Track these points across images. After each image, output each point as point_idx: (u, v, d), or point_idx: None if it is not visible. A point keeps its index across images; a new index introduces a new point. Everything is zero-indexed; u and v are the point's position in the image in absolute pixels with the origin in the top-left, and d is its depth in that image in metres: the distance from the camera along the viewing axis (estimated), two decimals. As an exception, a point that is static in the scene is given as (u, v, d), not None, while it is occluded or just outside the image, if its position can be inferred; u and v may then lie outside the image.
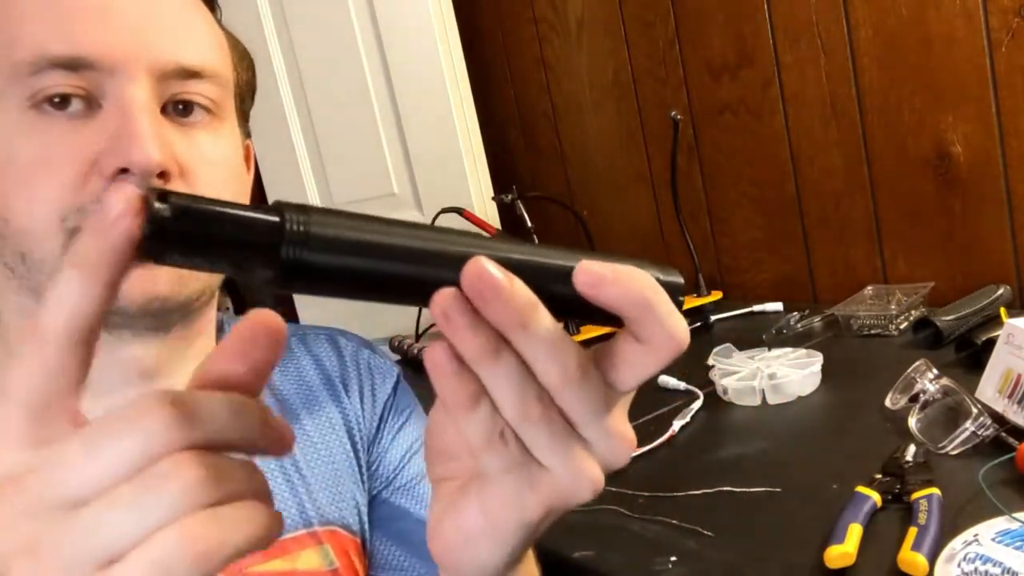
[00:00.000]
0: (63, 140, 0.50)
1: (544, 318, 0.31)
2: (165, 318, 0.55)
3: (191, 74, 0.53)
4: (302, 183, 2.01)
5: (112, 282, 0.27)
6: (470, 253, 0.31)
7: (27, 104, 0.50)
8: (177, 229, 0.27)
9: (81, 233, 0.27)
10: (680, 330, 0.33)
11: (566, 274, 0.32)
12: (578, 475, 0.34)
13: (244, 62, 0.61)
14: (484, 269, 0.30)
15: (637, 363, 0.33)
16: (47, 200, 0.50)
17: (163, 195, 0.27)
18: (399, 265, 0.31)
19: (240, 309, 2.84)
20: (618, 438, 0.35)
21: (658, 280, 0.33)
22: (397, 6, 1.83)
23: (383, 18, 1.85)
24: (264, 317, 0.30)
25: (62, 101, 0.50)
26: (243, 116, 0.62)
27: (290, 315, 1.99)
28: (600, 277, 0.31)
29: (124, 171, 0.49)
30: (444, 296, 0.30)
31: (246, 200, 0.58)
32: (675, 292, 0.35)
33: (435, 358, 0.31)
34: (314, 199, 2.02)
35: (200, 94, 0.54)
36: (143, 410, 0.27)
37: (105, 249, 0.26)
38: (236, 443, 0.29)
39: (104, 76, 0.50)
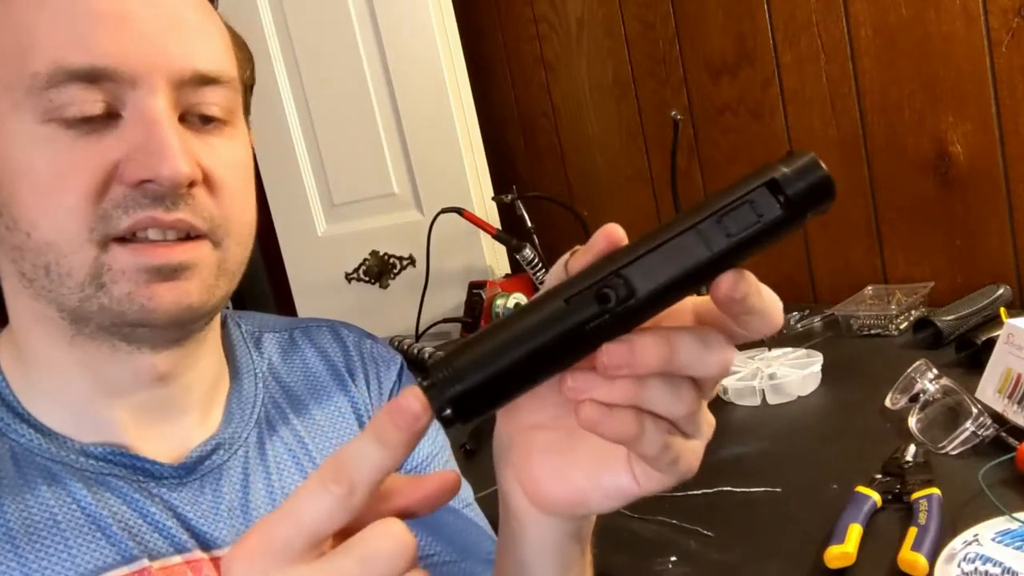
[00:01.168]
0: (82, 151, 0.49)
1: (682, 340, 0.36)
2: (191, 327, 0.55)
3: (208, 80, 0.53)
4: (302, 183, 2.01)
5: (404, 454, 0.35)
6: (587, 326, 0.34)
7: (44, 117, 0.49)
8: (453, 417, 0.35)
9: (382, 412, 0.35)
10: (777, 320, 0.37)
11: (703, 269, 0.35)
12: (705, 433, 0.41)
13: (245, 56, 0.61)
14: (607, 363, 0.35)
15: (739, 336, 0.38)
16: (71, 212, 0.49)
17: (443, 395, 0.34)
18: (532, 370, 0.35)
19: (238, 303, 2.84)
20: (710, 425, 0.42)
21: (795, 191, 0.34)
22: (397, 6, 1.83)
23: (383, 18, 1.85)
24: (449, 479, 0.39)
25: (86, 120, 0.49)
26: (246, 110, 0.62)
27: (290, 314, 1.99)
28: (743, 292, 0.35)
29: (147, 181, 0.49)
30: (573, 389, 0.36)
31: (253, 194, 0.59)
32: (818, 187, 0.35)
33: (588, 419, 0.36)
34: (314, 199, 2.02)
35: (216, 103, 0.54)
36: (393, 533, 0.34)
37: (403, 438, 0.35)
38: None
39: (124, 86, 0.49)
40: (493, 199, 1.84)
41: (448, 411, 0.34)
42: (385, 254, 1.98)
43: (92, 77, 0.49)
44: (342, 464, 0.34)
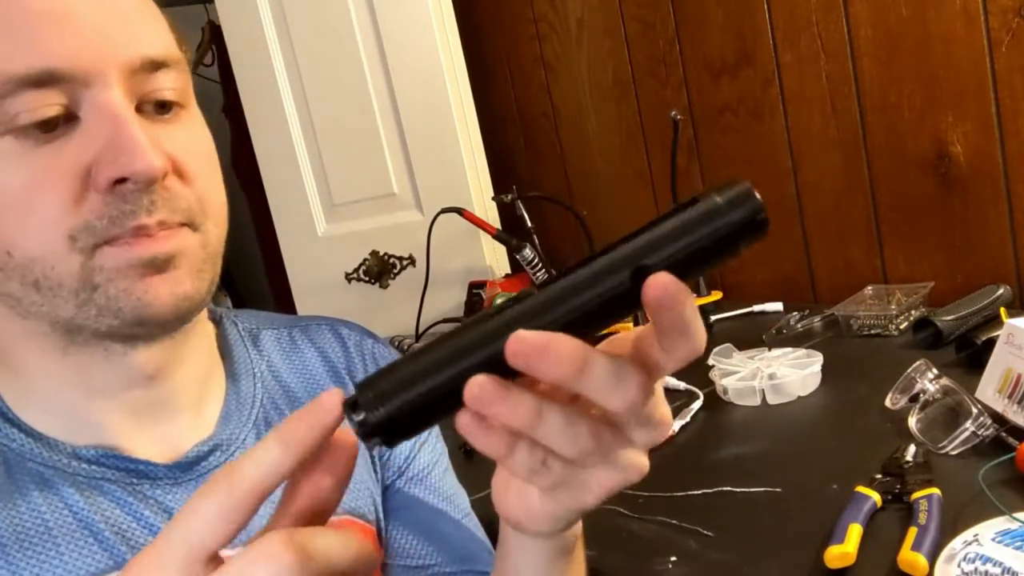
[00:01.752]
0: (49, 160, 0.48)
1: (597, 362, 0.33)
2: (184, 318, 0.54)
3: (158, 65, 0.51)
4: (302, 183, 2.01)
5: (303, 461, 0.34)
6: (501, 332, 0.33)
7: (3, 130, 0.47)
8: (373, 434, 0.35)
9: (293, 416, 0.34)
10: (701, 343, 0.35)
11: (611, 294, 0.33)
12: (628, 470, 0.39)
13: (184, 40, 0.59)
14: (520, 344, 0.32)
15: (665, 366, 0.36)
16: (50, 224, 0.48)
17: (363, 410, 0.34)
18: (446, 375, 0.34)
19: (238, 303, 2.84)
20: (660, 425, 0.38)
21: (731, 222, 0.33)
22: (397, 6, 1.83)
23: (383, 18, 1.85)
24: (343, 437, 0.36)
25: (43, 124, 0.48)
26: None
27: (290, 312, 1.99)
28: (674, 297, 0.33)
29: (121, 181, 0.48)
30: (472, 389, 0.33)
31: (220, 174, 0.58)
32: (753, 219, 0.33)
33: (463, 426, 0.35)
34: (314, 199, 2.02)
35: (170, 87, 0.52)
36: (271, 554, 0.32)
37: (308, 439, 0.34)
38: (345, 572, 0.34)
39: (77, 86, 0.48)
40: (493, 199, 1.84)
41: (371, 432, 0.34)
42: (385, 254, 1.98)
43: (43, 81, 0.47)
44: (231, 468, 0.34)
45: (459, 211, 1.71)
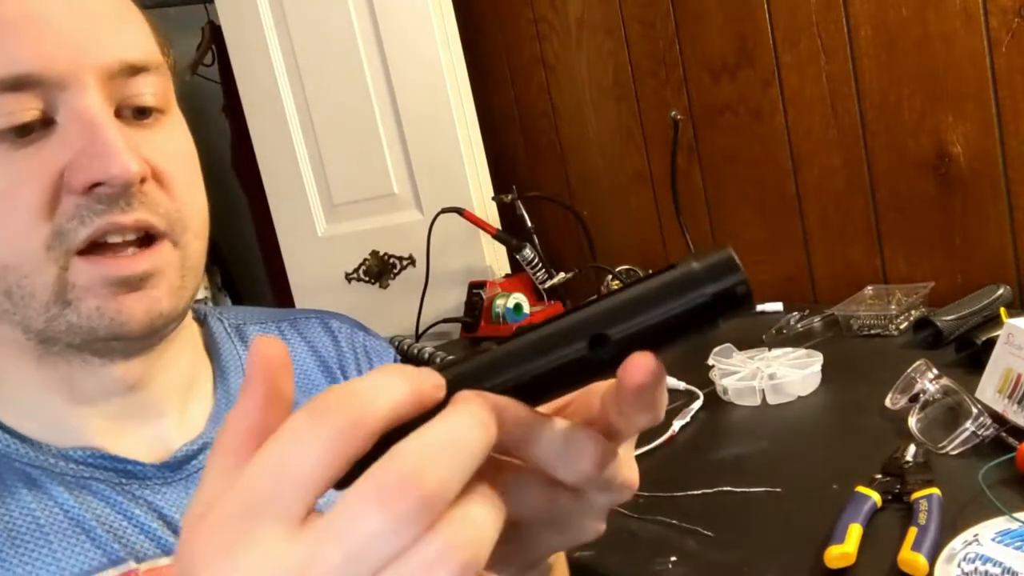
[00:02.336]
0: (25, 165, 0.47)
1: (545, 432, 0.31)
2: (162, 333, 0.54)
3: (137, 69, 0.51)
4: (302, 183, 2.01)
5: (425, 402, 0.28)
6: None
7: None
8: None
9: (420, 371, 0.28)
10: (660, 418, 0.33)
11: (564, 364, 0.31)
12: (581, 534, 0.37)
13: (167, 45, 0.58)
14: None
15: (630, 429, 0.34)
16: (24, 231, 0.47)
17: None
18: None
19: (238, 303, 2.84)
20: (622, 490, 0.36)
21: (707, 293, 0.30)
22: (397, 6, 1.83)
23: (383, 18, 1.85)
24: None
25: (20, 129, 0.47)
26: (177, 97, 0.60)
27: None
28: (653, 377, 0.30)
29: (97, 185, 0.48)
30: None
31: (201, 181, 0.57)
32: (732, 292, 0.30)
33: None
34: (314, 199, 2.02)
35: (149, 92, 0.52)
36: (386, 501, 0.25)
37: (431, 382, 0.28)
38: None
39: (53, 90, 0.47)
40: (493, 199, 1.84)
41: None
42: (385, 254, 1.98)
43: (18, 85, 0.46)
44: (346, 392, 0.27)
45: (459, 211, 1.71)
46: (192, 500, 0.28)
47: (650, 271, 0.32)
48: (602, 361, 0.30)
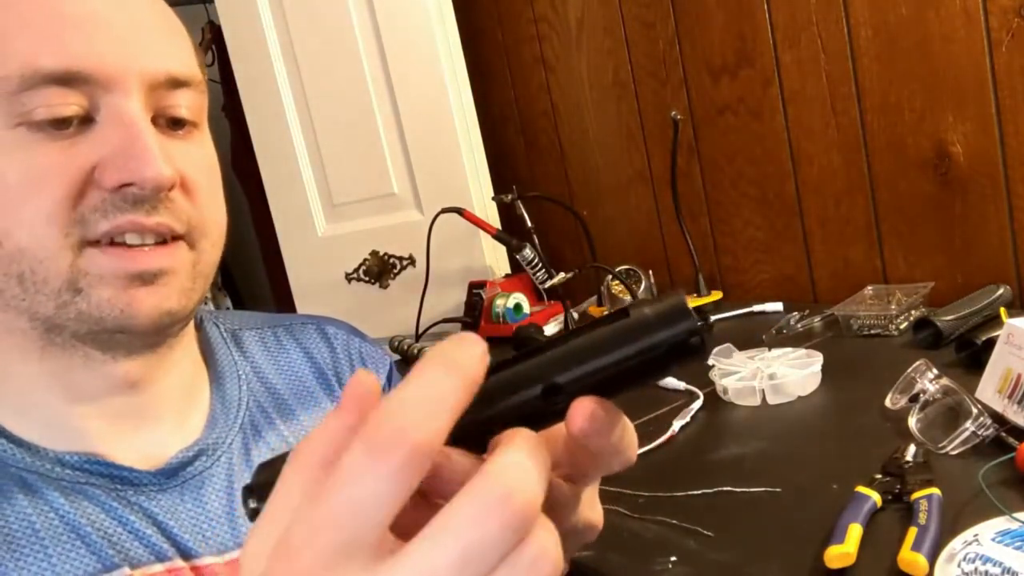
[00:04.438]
0: (57, 155, 0.48)
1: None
2: (167, 332, 0.54)
3: (179, 83, 0.52)
4: (302, 183, 2.01)
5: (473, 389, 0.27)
6: None
7: (14, 122, 0.48)
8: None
9: (451, 346, 0.27)
10: (632, 459, 0.33)
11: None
12: None
13: (203, 62, 0.60)
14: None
15: (598, 470, 0.35)
16: (47, 217, 0.48)
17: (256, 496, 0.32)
18: None
19: (238, 303, 2.85)
20: (587, 531, 0.36)
21: (658, 342, 0.30)
22: (397, 6, 1.83)
23: (383, 18, 1.85)
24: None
25: (58, 122, 0.48)
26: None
27: (290, 313, 1.99)
28: (598, 423, 0.30)
29: (127, 185, 0.49)
30: None
31: (222, 195, 0.58)
32: (686, 341, 0.30)
33: None
34: (314, 199, 2.02)
35: (186, 106, 0.53)
36: (483, 515, 0.26)
37: (477, 365, 0.27)
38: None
39: (98, 89, 0.49)
40: (493, 199, 1.84)
41: (255, 508, 0.32)
42: (385, 254, 1.98)
43: (66, 80, 0.48)
44: (390, 418, 0.26)
45: (459, 211, 1.71)
46: (263, 516, 0.28)
47: (606, 311, 0.31)
48: (556, 409, 0.30)
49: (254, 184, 2.27)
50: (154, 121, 0.52)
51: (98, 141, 0.49)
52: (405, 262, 1.96)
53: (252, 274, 2.97)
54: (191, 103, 0.54)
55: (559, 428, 0.33)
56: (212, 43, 2.60)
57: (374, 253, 1.99)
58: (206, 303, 0.62)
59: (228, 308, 2.74)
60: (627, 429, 0.32)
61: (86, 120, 0.49)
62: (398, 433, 0.26)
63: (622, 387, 0.30)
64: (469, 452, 0.30)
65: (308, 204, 2.02)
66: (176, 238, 0.52)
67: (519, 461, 0.27)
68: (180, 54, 0.54)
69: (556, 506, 0.34)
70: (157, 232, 0.50)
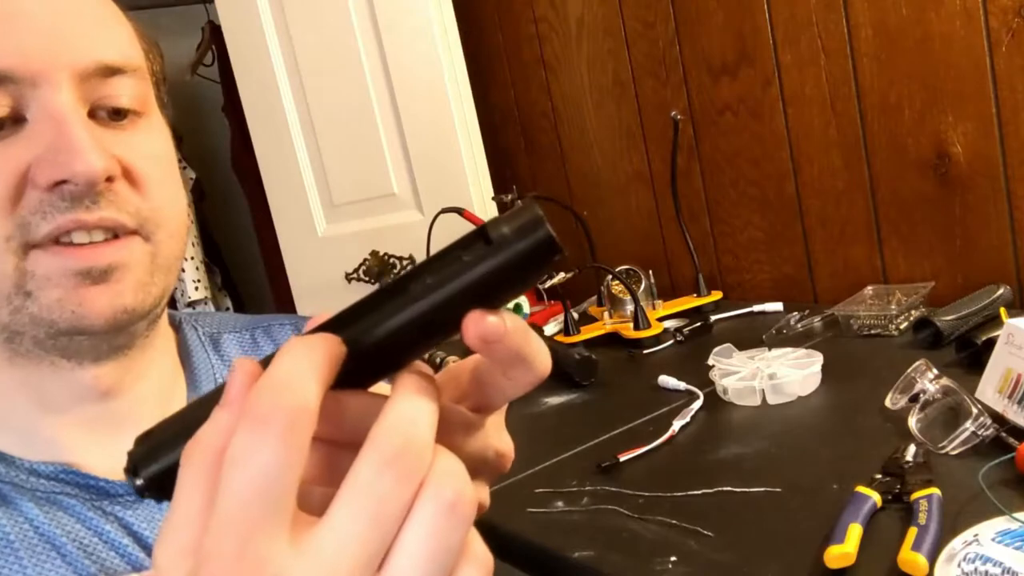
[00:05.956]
0: None
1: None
2: (130, 333, 0.53)
3: (113, 71, 0.50)
4: (302, 183, 2.01)
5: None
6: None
7: None
8: (149, 489, 0.32)
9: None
10: (545, 368, 0.33)
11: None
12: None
13: (153, 50, 0.58)
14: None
15: (507, 391, 0.34)
16: None
17: (136, 464, 0.32)
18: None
19: (238, 304, 2.84)
20: (500, 459, 0.37)
21: (520, 252, 0.31)
22: (397, 6, 1.83)
23: (383, 18, 1.85)
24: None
25: None
26: (162, 104, 0.59)
27: (290, 312, 1.99)
28: (495, 334, 0.30)
29: (62, 182, 0.47)
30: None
31: (179, 184, 0.56)
32: (544, 255, 0.31)
33: None
34: (314, 199, 2.02)
35: (125, 94, 0.51)
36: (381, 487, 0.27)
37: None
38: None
39: (25, 87, 0.47)
40: (493, 199, 1.84)
41: (142, 484, 0.32)
42: (385, 254, 1.98)
43: None
44: (262, 393, 0.27)
45: (459, 211, 1.71)
46: (168, 524, 0.28)
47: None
48: (443, 330, 0.31)
49: (254, 184, 2.27)
50: (93, 113, 0.50)
51: (30, 140, 0.47)
52: (405, 262, 1.96)
53: (252, 274, 2.97)
54: (132, 91, 0.52)
55: (463, 364, 0.35)
56: (212, 43, 2.60)
57: (374, 253, 1.99)
58: (205, 304, 0.62)
59: (228, 308, 2.73)
60: (531, 336, 0.32)
61: (18, 120, 0.48)
62: (273, 401, 0.26)
63: (496, 299, 0.31)
64: (365, 389, 0.31)
65: (308, 204, 2.02)
66: (131, 233, 0.50)
67: (401, 412, 0.28)
68: (115, 41, 0.51)
69: (465, 437, 0.34)
70: (102, 227, 0.49)
